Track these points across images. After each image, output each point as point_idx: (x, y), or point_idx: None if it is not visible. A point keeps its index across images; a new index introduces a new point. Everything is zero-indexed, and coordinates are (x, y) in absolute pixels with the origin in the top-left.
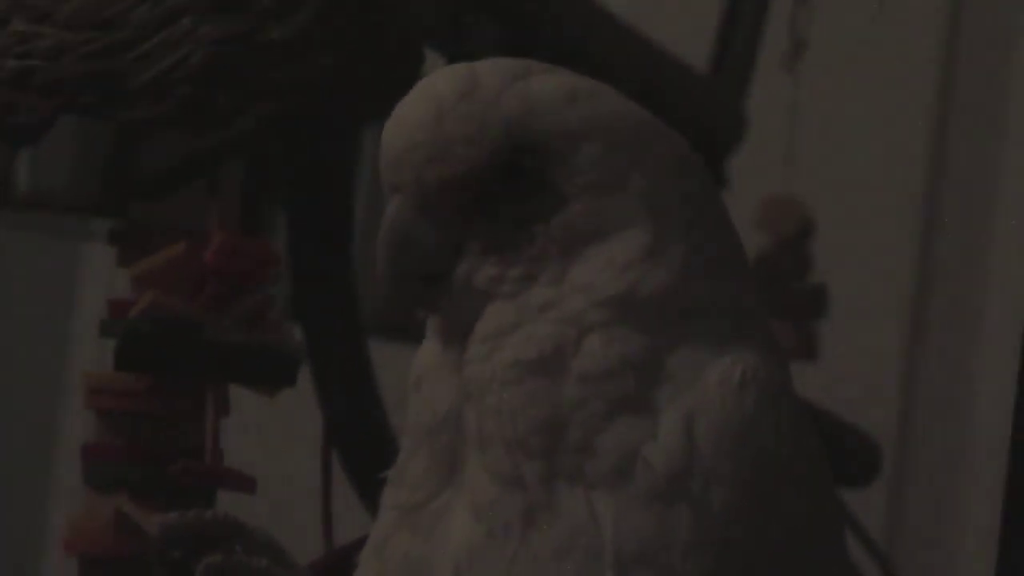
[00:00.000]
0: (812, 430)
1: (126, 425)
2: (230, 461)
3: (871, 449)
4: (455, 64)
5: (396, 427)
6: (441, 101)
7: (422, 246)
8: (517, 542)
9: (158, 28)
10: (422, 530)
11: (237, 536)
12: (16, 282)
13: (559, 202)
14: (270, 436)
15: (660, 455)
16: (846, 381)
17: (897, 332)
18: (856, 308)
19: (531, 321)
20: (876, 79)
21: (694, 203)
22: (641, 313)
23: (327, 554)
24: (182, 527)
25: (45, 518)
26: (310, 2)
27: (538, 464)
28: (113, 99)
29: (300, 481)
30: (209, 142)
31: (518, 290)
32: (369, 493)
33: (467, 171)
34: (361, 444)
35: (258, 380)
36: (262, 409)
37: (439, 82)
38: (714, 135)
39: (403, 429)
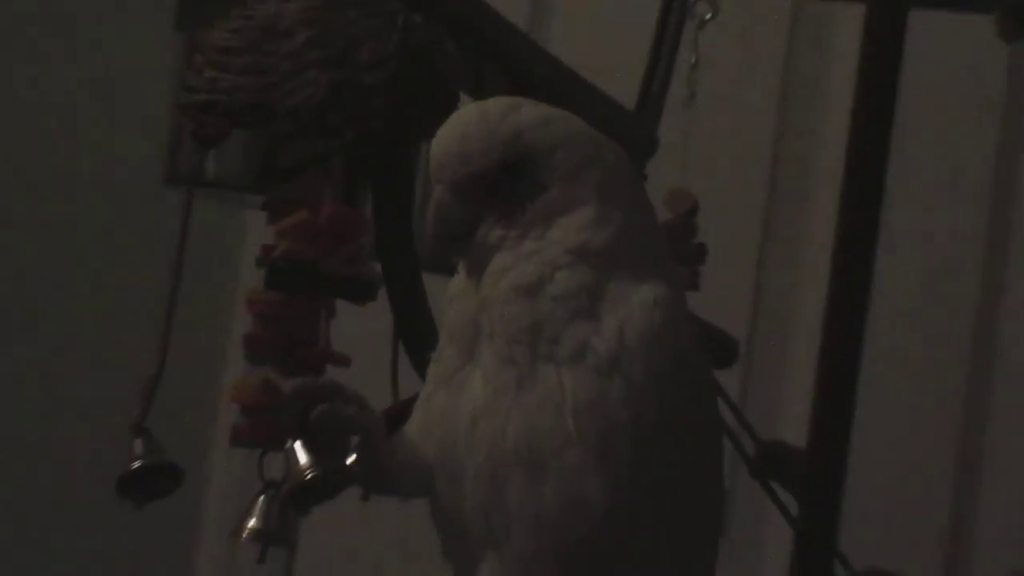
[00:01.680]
0: (695, 333)
1: (271, 323)
2: (334, 347)
3: (730, 343)
4: (475, 102)
5: (437, 325)
6: (465, 126)
7: (455, 218)
8: (512, 398)
9: (294, 75)
10: (453, 390)
11: (338, 394)
12: (202, 236)
13: (541, 189)
14: (359, 332)
15: (602, 345)
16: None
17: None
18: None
19: (522, 263)
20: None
21: (626, 189)
22: (592, 258)
23: (394, 404)
24: (304, 387)
25: (218, 380)
26: (392, 62)
27: (525, 350)
28: (266, 120)
29: (379, 360)
30: (324, 147)
31: (514, 244)
32: (421, 368)
33: (482, 170)
34: (416, 336)
35: (352, 296)
36: (355, 313)
37: (464, 114)
38: (637, 149)
39: (442, 327)
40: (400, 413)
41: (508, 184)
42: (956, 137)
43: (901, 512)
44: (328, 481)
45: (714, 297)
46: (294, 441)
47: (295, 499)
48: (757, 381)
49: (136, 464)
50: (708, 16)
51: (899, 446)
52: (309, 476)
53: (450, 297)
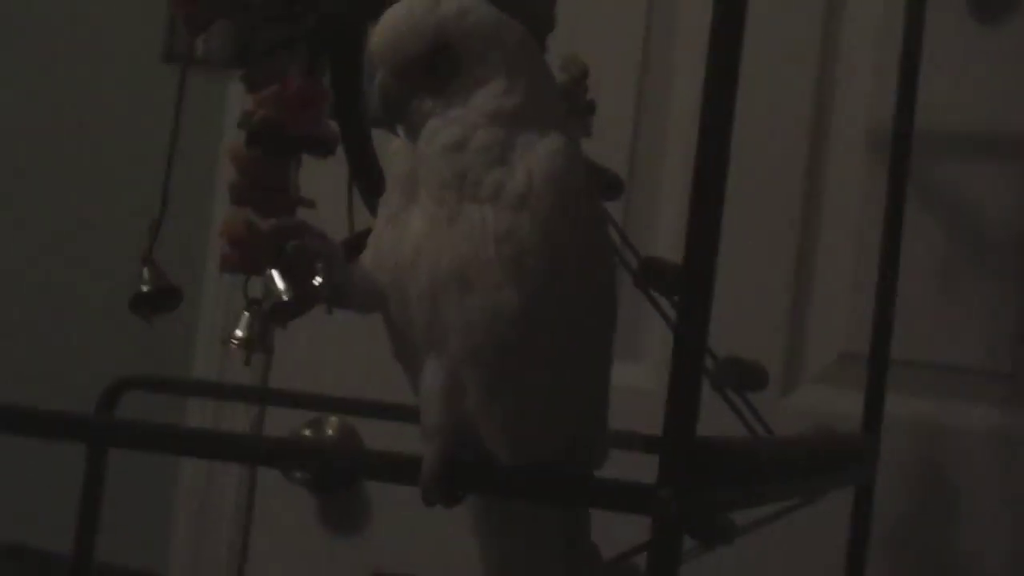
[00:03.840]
0: (587, 173)
1: (248, 173)
2: (302, 193)
3: (616, 180)
4: None
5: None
6: (398, 19)
7: (394, 94)
8: (445, 231)
9: None
10: (398, 226)
11: (306, 231)
12: (192, 104)
13: (461, 68)
14: (321, 178)
15: (514, 186)
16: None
17: None
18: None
19: (449, 126)
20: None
21: (530, 62)
22: (504, 118)
23: (350, 236)
24: (279, 226)
25: (208, 219)
26: None
27: (454, 193)
28: (244, 10)
29: (338, 203)
30: (291, 32)
31: (442, 111)
32: (372, 207)
33: (413, 55)
34: (367, 182)
35: (316, 152)
36: (316, 164)
37: (396, 10)
38: (540, 25)
39: (388, 177)
40: (356, 244)
41: (434, 65)
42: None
43: (746, 305)
44: (300, 300)
45: (601, 142)
46: (272, 269)
47: (274, 315)
48: (636, 209)
49: (144, 287)
50: None
51: (740, 252)
52: (286, 297)
53: (393, 153)
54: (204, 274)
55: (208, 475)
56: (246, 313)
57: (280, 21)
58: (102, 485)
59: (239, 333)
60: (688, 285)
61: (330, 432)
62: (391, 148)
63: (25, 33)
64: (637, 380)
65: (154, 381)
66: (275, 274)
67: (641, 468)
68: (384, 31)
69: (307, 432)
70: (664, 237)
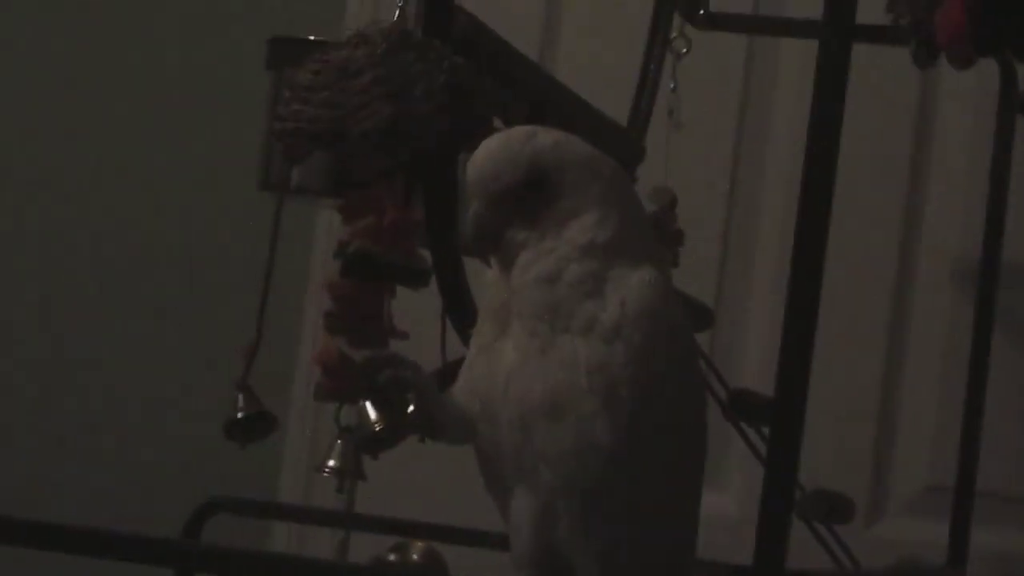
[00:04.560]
0: (679, 304)
1: (345, 303)
2: (395, 323)
3: (706, 311)
4: (501, 131)
5: (477, 304)
6: (494, 152)
7: (487, 225)
8: (537, 362)
9: (363, 107)
10: (490, 357)
11: (399, 362)
12: (283, 233)
13: (555, 199)
14: (414, 308)
15: (607, 318)
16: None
17: None
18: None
19: (543, 258)
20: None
21: (621, 193)
22: (597, 251)
23: (443, 367)
24: (372, 357)
25: (296, 348)
26: (440, 95)
27: (547, 325)
28: (340, 142)
29: (430, 333)
30: (387, 164)
31: (536, 243)
32: (465, 338)
33: (508, 186)
34: (459, 313)
35: (409, 282)
36: (409, 294)
37: (493, 142)
38: (629, 156)
39: (481, 307)
40: (448, 374)
41: (529, 196)
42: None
43: (832, 437)
44: (393, 430)
45: (689, 272)
46: (365, 400)
47: (367, 445)
48: (723, 339)
49: (240, 413)
50: (684, 51)
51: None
52: (378, 428)
53: (487, 284)
54: (291, 399)
55: None
56: (339, 442)
57: (376, 152)
58: None
59: (331, 462)
60: (779, 418)
61: (415, 557)
62: (485, 279)
63: (124, 158)
64: (722, 509)
65: (242, 504)
66: (368, 405)
67: None
68: (480, 161)
69: (392, 557)
70: (750, 367)
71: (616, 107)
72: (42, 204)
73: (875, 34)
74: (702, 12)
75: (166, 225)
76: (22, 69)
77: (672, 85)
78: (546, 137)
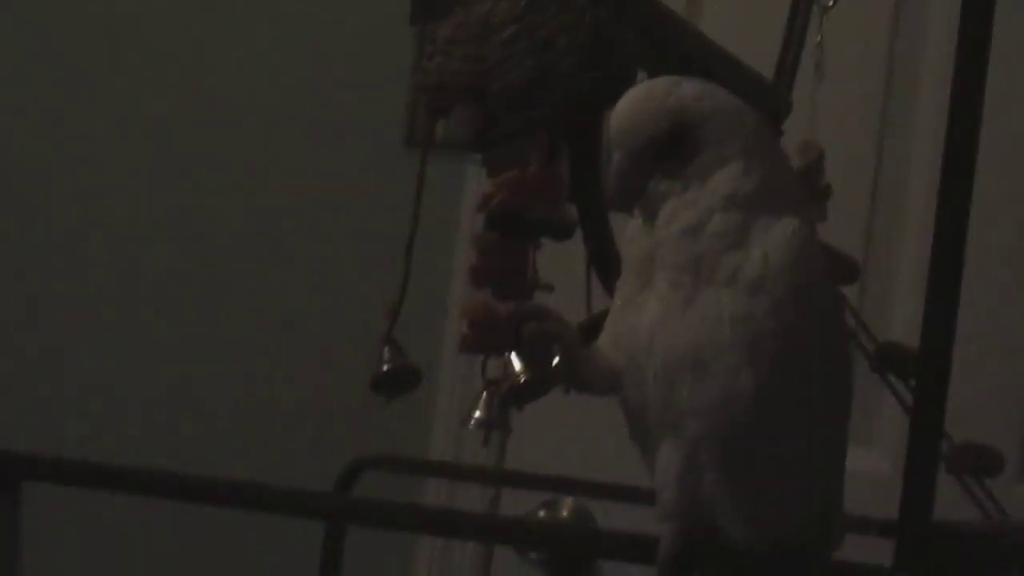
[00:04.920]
0: (823, 256)
1: (491, 257)
2: (540, 276)
3: (852, 264)
4: (645, 82)
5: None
6: (637, 101)
7: (631, 176)
8: (681, 314)
9: (506, 61)
10: (635, 309)
11: (544, 314)
12: (430, 189)
13: (699, 150)
14: (559, 262)
15: (751, 269)
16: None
17: None
18: None
19: (686, 209)
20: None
21: (766, 145)
22: (741, 202)
23: (587, 319)
24: (518, 309)
25: (443, 302)
26: (584, 49)
27: (690, 277)
28: (484, 97)
29: (575, 286)
30: (530, 118)
31: (679, 194)
32: (609, 290)
33: (651, 137)
34: (604, 266)
35: (554, 235)
36: (554, 248)
37: (636, 93)
38: (775, 110)
39: (624, 259)
40: (592, 326)
41: (672, 147)
42: None
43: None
44: (538, 382)
45: (837, 226)
46: (511, 352)
47: (513, 397)
48: (872, 293)
49: (385, 367)
50: (831, 3)
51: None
52: (524, 379)
53: (630, 237)
54: (440, 355)
55: (443, 557)
56: (484, 394)
57: (520, 106)
58: (340, 565)
59: (477, 414)
60: (926, 370)
61: (565, 513)
62: (628, 231)
63: (267, 116)
64: (871, 465)
65: (392, 461)
66: (514, 357)
67: (875, 553)
68: (623, 113)
69: (542, 513)
70: (900, 321)
71: (762, 61)
72: (185, 142)
73: None
74: None
75: (313, 182)
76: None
77: (819, 38)
78: (689, 88)
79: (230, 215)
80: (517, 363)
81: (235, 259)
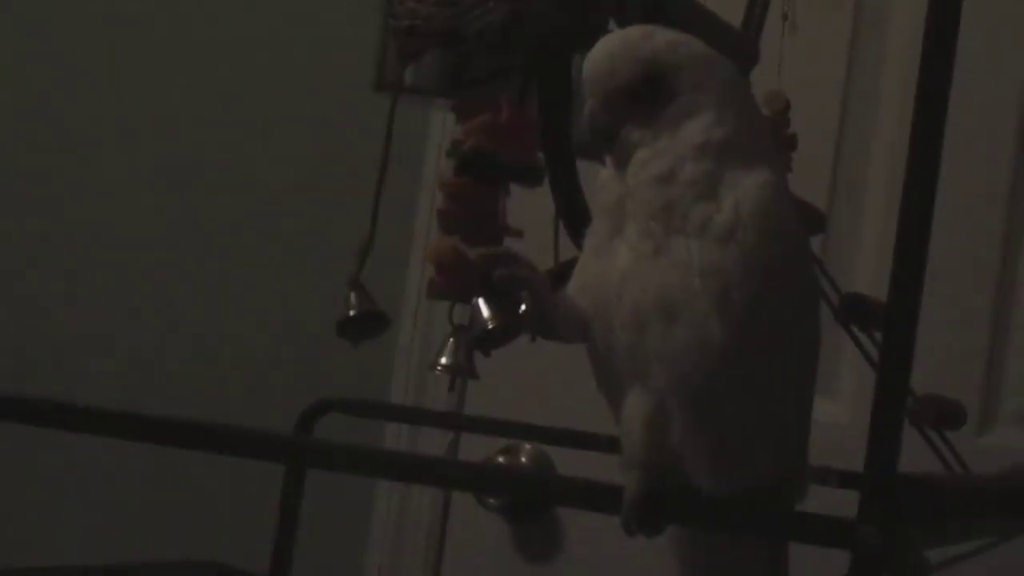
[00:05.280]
0: (793, 207)
1: (459, 201)
2: (509, 222)
3: (819, 215)
4: (618, 29)
5: (589, 205)
6: (612, 49)
7: (604, 122)
8: (651, 263)
9: (479, 4)
10: (604, 257)
11: (513, 259)
12: (397, 133)
13: (671, 99)
14: (528, 208)
15: (721, 219)
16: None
17: None
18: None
19: (658, 157)
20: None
21: (737, 95)
22: (712, 151)
23: (555, 266)
24: (487, 254)
25: (409, 246)
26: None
27: (661, 225)
28: (456, 41)
29: (543, 232)
30: (502, 62)
31: (651, 142)
32: (578, 240)
33: (625, 84)
34: (572, 213)
35: (524, 181)
36: (523, 193)
37: (611, 40)
38: (744, 60)
39: (594, 207)
40: (561, 274)
41: (645, 95)
42: None
43: (944, 342)
44: (506, 328)
45: (803, 177)
46: (479, 297)
47: (480, 343)
48: (836, 244)
49: (352, 312)
50: None
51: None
52: (492, 325)
53: (600, 183)
54: (403, 300)
55: (402, 501)
56: (451, 339)
57: (492, 51)
58: (299, 507)
59: (444, 360)
60: (892, 322)
61: (524, 460)
62: (598, 178)
63: (234, 59)
64: (833, 415)
65: (354, 404)
66: (482, 303)
67: (835, 504)
68: (597, 59)
69: (501, 459)
70: (863, 272)
71: (731, 10)
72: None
73: None
74: None
75: (280, 124)
76: None
77: None
78: (663, 36)
79: (197, 154)
80: (486, 309)
81: (201, 202)
